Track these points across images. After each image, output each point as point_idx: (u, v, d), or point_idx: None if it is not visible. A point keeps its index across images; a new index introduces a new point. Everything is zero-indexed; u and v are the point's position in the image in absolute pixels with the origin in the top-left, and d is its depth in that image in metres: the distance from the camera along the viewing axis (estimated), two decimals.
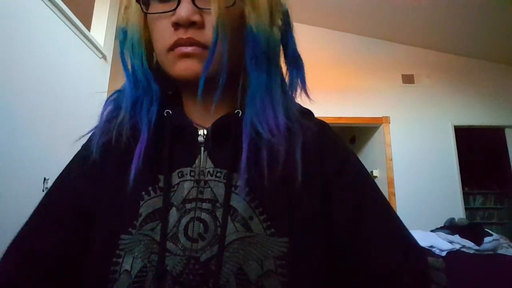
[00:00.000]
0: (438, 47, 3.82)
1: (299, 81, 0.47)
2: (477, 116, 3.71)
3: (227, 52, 0.39)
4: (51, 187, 0.47)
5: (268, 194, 0.40)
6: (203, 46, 0.40)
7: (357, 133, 4.27)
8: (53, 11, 1.92)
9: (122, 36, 0.45)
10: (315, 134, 0.45)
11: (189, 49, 0.39)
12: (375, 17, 3.49)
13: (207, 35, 0.39)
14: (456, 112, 3.70)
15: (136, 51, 0.44)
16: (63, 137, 1.85)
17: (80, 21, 2.15)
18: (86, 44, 2.26)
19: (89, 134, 0.47)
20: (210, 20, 0.39)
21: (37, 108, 1.76)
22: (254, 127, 0.41)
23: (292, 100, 0.48)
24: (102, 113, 0.46)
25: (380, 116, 3.68)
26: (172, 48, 0.40)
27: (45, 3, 1.85)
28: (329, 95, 3.63)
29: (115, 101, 0.47)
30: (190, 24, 0.39)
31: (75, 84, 2.09)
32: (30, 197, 1.59)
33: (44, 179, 1.78)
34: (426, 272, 0.41)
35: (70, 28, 2.08)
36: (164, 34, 0.41)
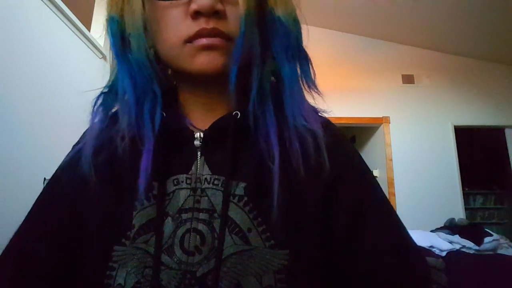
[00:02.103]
0: (438, 47, 3.82)
1: (311, 75, 0.45)
2: (477, 116, 3.71)
3: (257, 43, 0.38)
4: (42, 193, 0.44)
5: (268, 202, 0.37)
6: (226, 37, 0.37)
7: (357, 133, 4.27)
8: (53, 11, 1.92)
9: (115, 27, 0.39)
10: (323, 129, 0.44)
11: (212, 40, 0.36)
12: (375, 17, 3.48)
13: (232, 25, 0.37)
14: (456, 112, 3.70)
15: (139, 44, 0.38)
16: (63, 137, 1.84)
17: (80, 21, 2.14)
18: (86, 44, 2.26)
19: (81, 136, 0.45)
20: (233, 10, 0.37)
21: (37, 108, 1.76)
22: (295, 121, 0.40)
23: None
24: (92, 120, 0.42)
25: (380, 116, 3.68)
26: (190, 39, 0.37)
27: (45, 3, 1.85)
28: (329, 95, 3.56)
29: (103, 105, 0.42)
30: (212, 14, 0.36)
31: (75, 84, 2.09)
32: (30, 197, 1.59)
33: (44, 179, 1.78)
34: (427, 277, 0.40)
35: (70, 28, 2.08)
36: (178, 24, 0.37)
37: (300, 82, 0.43)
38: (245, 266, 0.35)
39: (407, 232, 0.42)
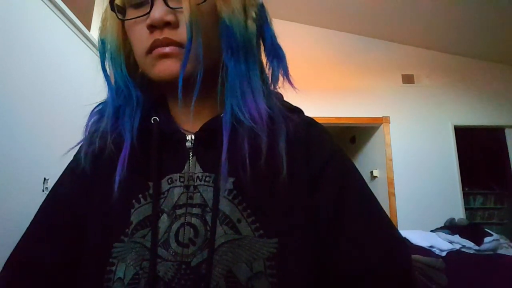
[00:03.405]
0: (438, 47, 3.82)
1: (281, 71, 0.46)
2: (477, 116, 3.71)
3: (202, 48, 0.39)
4: (46, 198, 0.48)
5: (254, 194, 0.40)
6: (179, 45, 0.40)
7: (357, 133, 4.27)
8: (53, 11, 1.92)
9: (101, 47, 0.46)
10: (300, 127, 0.45)
11: (166, 49, 0.40)
12: (375, 17, 3.48)
13: (182, 33, 0.39)
14: (456, 112, 3.70)
15: (115, 59, 0.44)
16: (63, 137, 1.85)
17: (80, 21, 2.15)
18: (86, 44, 2.26)
19: (79, 145, 0.48)
20: (184, 19, 0.39)
21: (37, 108, 1.76)
22: (235, 117, 0.41)
23: (277, 95, 0.48)
24: (87, 124, 0.47)
25: (380, 116, 3.68)
26: (150, 50, 0.40)
27: (45, 3, 1.85)
28: (329, 95, 3.63)
29: (99, 112, 0.47)
30: (165, 25, 0.39)
31: (75, 84, 2.09)
32: (30, 197, 1.59)
33: (44, 179, 1.78)
34: (407, 268, 0.40)
35: (70, 28, 2.08)
36: (141, 38, 0.41)
37: (250, 79, 0.43)
38: (235, 254, 0.38)
39: (391, 226, 0.43)
